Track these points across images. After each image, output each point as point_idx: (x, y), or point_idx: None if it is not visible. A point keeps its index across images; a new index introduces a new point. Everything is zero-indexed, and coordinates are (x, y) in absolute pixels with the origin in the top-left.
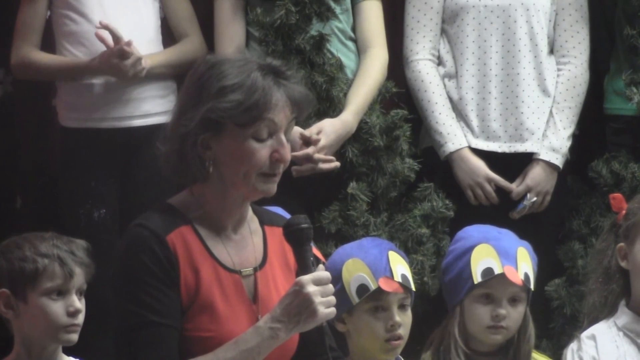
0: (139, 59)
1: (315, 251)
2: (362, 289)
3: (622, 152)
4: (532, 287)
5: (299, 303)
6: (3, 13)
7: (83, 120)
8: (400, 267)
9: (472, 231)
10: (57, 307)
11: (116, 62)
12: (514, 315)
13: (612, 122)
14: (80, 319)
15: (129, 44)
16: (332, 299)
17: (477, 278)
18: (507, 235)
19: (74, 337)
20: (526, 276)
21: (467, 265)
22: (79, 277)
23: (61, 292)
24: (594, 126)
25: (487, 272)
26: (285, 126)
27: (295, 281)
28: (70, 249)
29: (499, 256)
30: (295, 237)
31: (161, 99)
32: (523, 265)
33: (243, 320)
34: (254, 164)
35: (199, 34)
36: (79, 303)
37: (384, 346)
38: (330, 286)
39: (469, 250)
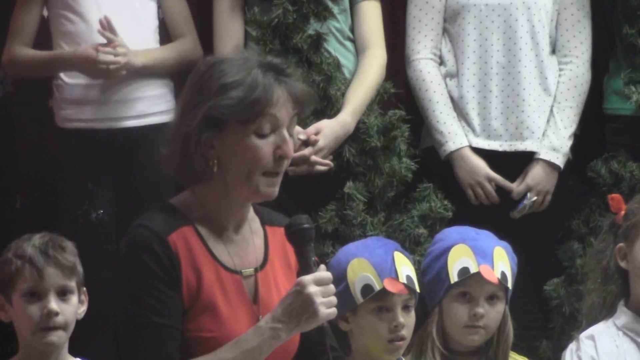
0: (116, 63)
1: None
2: (367, 289)
3: (621, 151)
4: (509, 285)
5: (300, 303)
6: (3, 14)
7: (79, 121)
8: (405, 268)
9: (451, 232)
10: (33, 309)
11: (93, 56)
12: (492, 314)
13: (611, 122)
14: (60, 320)
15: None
16: (333, 299)
17: (453, 277)
18: (484, 236)
19: (55, 338)
20: (503, 275)
21: (445, 265)
22: (54, 278)
23: (36, 293)
24: (593, 126)
25: (464, 271)
26: (288, 122)
27: (297, 281)
28: (46, 249)
29: (475, 255)
30: (297, 237)
31: (157, 99)
32: (500, 264)
33: (244, 320)
34: (257, 160)
35: (195, 35)
36: (54, 304)
37: (386, 346)
38: (332, 286)
39: (446, 250)
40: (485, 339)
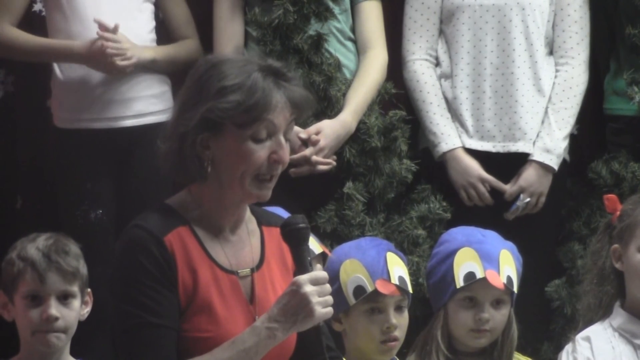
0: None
1: (323, 247)
2: (359, 290)
3: (622, 152)
4: (515, 289)
5: (296, 303)
6: None
7: (77, 121)
8: (397, 269)
9: (456, 234)
10: (33, 312)
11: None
12: (497, 317)
13: (611, 122)
14: (60, 324)
15: (115, 29)
16: (329, 298)
17: (459, 282)
18: (490, 238)
19: (54, 339)
20: (509, 279)
21: (450, 269)
22: (56, 283)
23: (37, 297)
24: (594, 126)
25: (469, 276)
26: (285, 128)
27: (293, 281)
28: (49, 252)
29: (481, 260)
30: (292, 237)
31: (155, 98)
32: (506, 268)
33: (240, 321)
34: (251, 164)
35: (197, 37)
36: (54, 310)
37: (379, 347)
38: (328, 286)
39: (452, 253)
40: (490, 341)
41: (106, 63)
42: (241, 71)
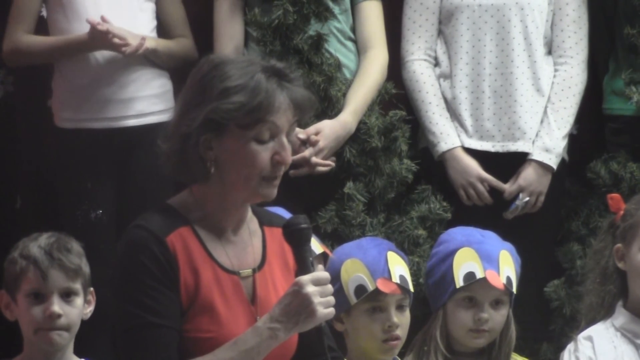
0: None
1: (324, 247)
2: (360, 289)
3: (621, 152)
4: (514, 290)
5: (298, 303)
6: (3, 14)
7: (78, 121)
8: (398, 268)
9: (455, 234)
10: (36, 310)
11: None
12: (496, 318)
13: (610, 122)
14: (63, 322)
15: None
16: (331, 299)
17: (459, 282)
18: (490, 239)
19: (57, 337)
20: (508, 280)
21: (450, 268)
22: (58, 280)
23: (39, 295)
24: (593, 126)
25: (469, 276)
26: (287, 129)
27: (295, 281)
28: (50, 250)
29: (481, 260)
30: (294, 237)
31: (156, 98)
32: (505, 269)
33: (242, 321)
34: (255, 165)
35: (191, 37)
36: (57, 307)
37: (381, 346)
38: (330, 286)
39: (451, 253)
40: (488, 342)
41: (113, 43)
42: (244, 72)
